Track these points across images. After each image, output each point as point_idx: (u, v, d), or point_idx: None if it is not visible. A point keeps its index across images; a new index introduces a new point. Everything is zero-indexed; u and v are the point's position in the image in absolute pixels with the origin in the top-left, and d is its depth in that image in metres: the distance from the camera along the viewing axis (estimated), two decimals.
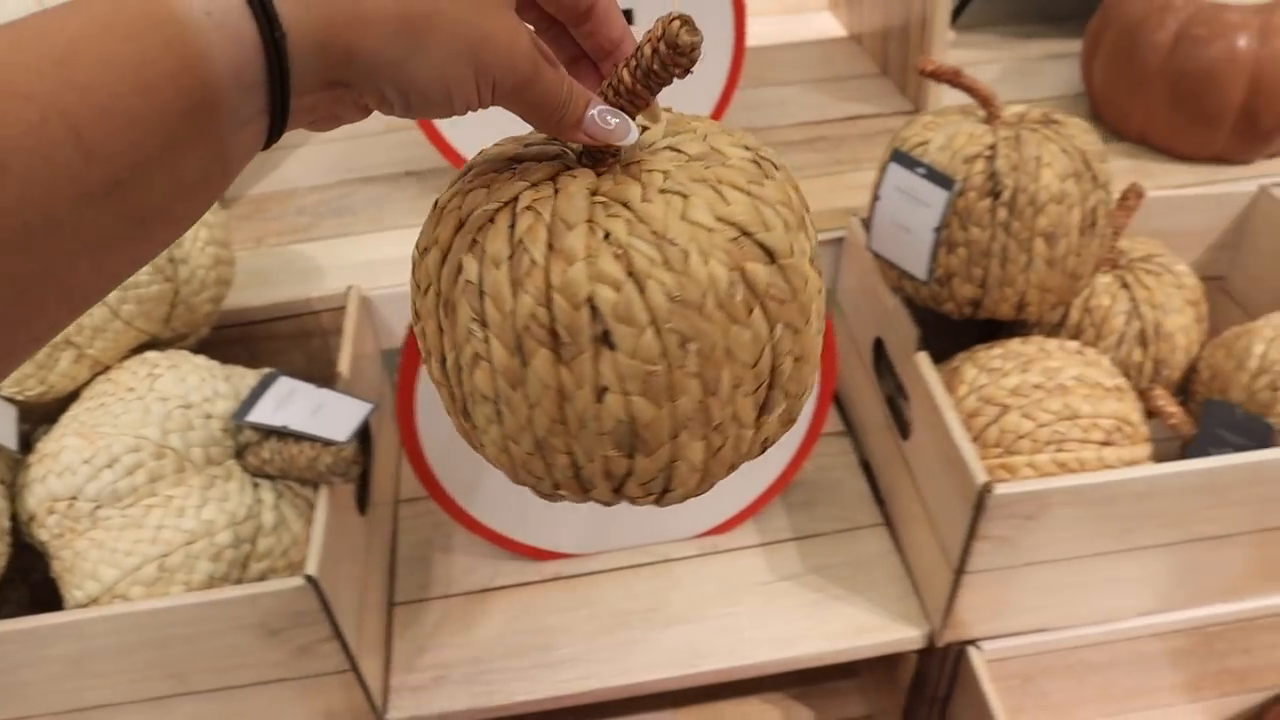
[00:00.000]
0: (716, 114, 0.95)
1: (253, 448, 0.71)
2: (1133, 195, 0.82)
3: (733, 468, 0.42)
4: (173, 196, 0.30)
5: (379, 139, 1.08)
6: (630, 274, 0.36)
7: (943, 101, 1.01)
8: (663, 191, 0.37)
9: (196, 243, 0.78)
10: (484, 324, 0.38)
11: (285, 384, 0.75)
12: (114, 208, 0.28)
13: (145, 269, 0.73)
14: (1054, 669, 0.82)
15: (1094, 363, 0.75)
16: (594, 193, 0.38)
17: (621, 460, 0.39)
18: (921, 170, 0.74)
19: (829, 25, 1.24)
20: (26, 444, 0.74)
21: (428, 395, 0.74)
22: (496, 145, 0.42)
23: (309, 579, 0.63)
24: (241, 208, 1.01)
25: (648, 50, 0.37)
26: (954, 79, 0.75)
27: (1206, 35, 0.92)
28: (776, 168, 0.40)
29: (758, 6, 1.28)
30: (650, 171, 0.38)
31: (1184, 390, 0.86)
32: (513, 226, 0.37)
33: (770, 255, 0.37)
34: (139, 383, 0.72)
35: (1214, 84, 0.92)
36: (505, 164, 0.40)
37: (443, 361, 0.41)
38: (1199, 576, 0.78)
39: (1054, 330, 0.83)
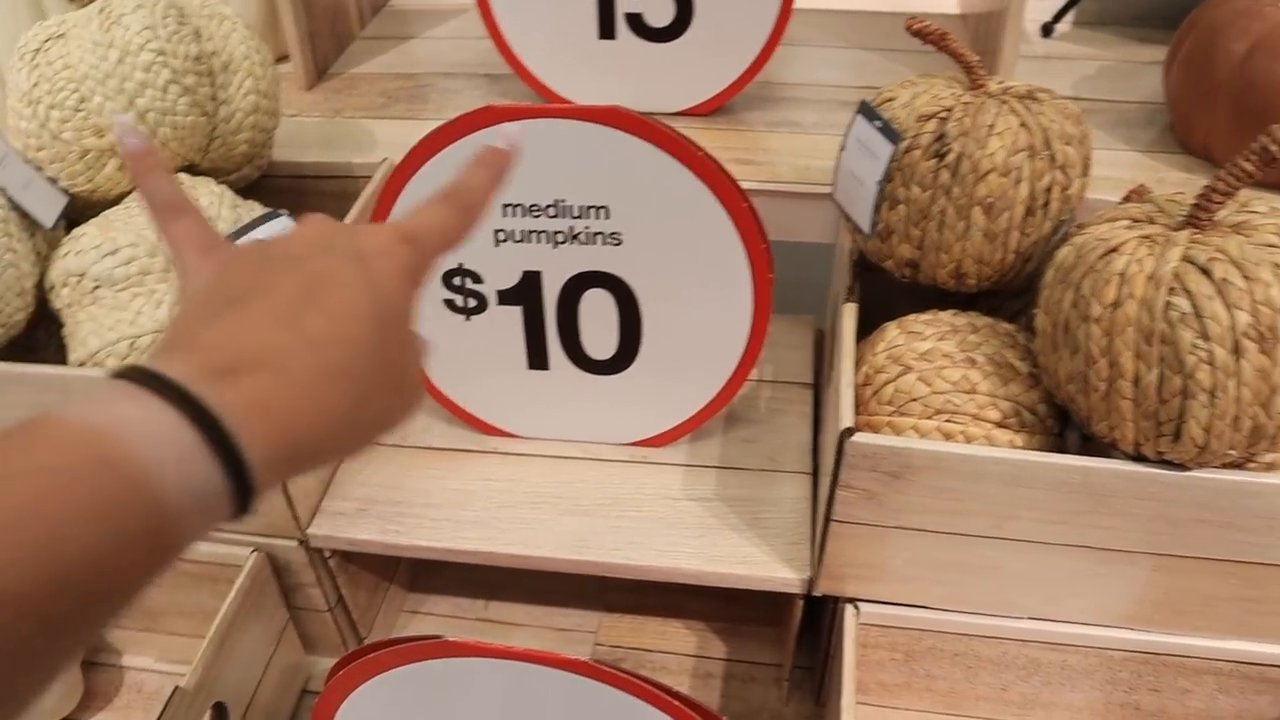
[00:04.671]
0: (758, 63, 0.98)
1: None
2: (1135, 194, 0.79)
3: None
4: (120, 601, 0.30)
5: (464, 43, 1.17)
6: None
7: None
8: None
9: (240, 89, 0.88)
10: (1205, 336, 0.59)
11: (281, 222, 0.85)
12: (73, 631, 0.29)
13: (184, 101, 0.84)
14: (941, 652, 0.81)
15: (1017, 345, 0.74)
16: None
17: (1262, 414, 0.61)
18: (878, 123, 0.74)
19: (947, 4, 1.22)
20: (69, 229, 0.87)
21: None
22: (1111, 222, 0.66)
23: None
24: (335, 82, 1.13)
25: (1271, 145, 0.58)
26: (939, 41, 0.75)
27: None
28: None
29: None
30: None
31: None
32: (1206, 273, 0.59)
33: None
34: None
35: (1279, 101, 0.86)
36: (1125, 230, 0.64)
37: (1135, 381, 0.62)
38: (1095, 590, 0.75)
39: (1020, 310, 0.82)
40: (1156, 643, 0.78)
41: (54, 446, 0.29)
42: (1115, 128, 1.02)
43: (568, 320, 0.82)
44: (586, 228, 0.77)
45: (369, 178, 0.96)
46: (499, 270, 0.80)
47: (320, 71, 1.14)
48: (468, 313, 0.83)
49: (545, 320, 0.83)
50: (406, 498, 0.87)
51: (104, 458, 0.29)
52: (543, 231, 0.78)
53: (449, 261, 0.80)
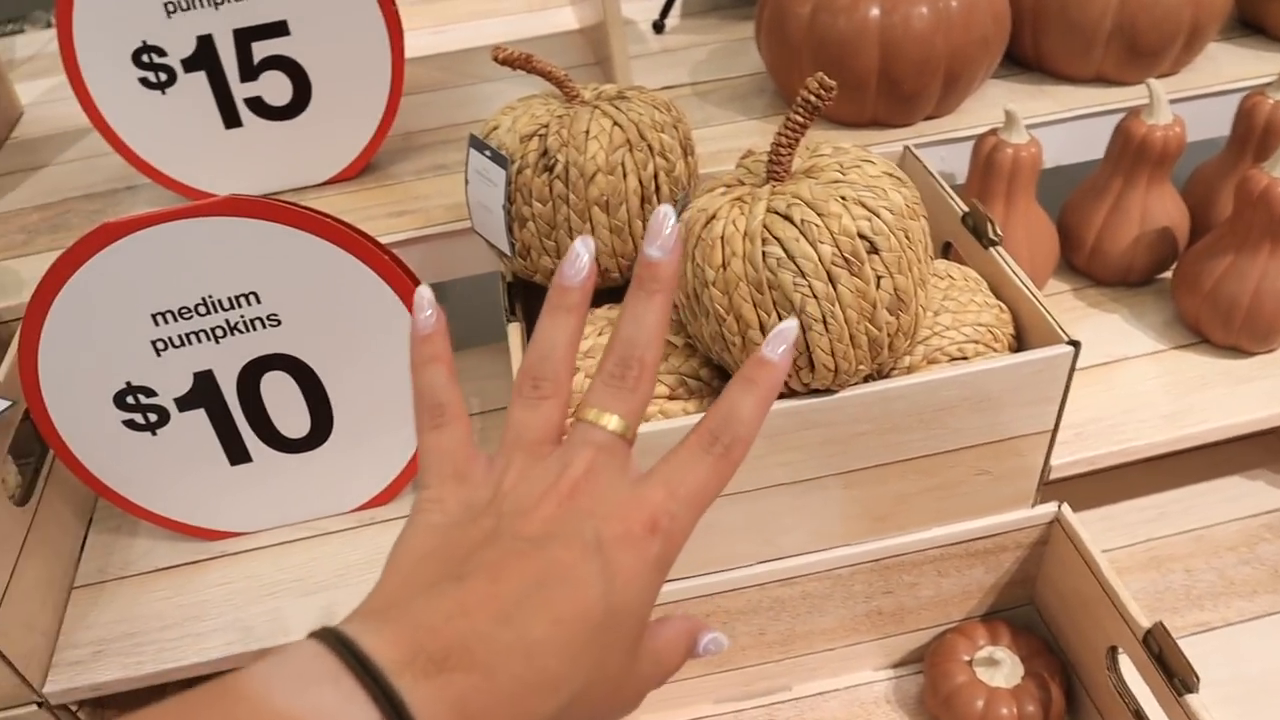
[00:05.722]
0: (387, 119, 1.01)
1: None
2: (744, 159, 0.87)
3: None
4: None
5: (98, 161, 1.15)
6: (870, 211, 0.66)
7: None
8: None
9: None
10: (802, 274, 0.65)
11: None
12: None
13: None
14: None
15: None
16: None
17: (893, 321, 0.68)
18: (488, 152, 0.79)
19: (567, 20, 1.29)
20: None
21: (64, 396, 0.79)
22: (709, 192, 0.71)
23: None
24: None
25: (809, 95, 0.62)
26: (525, 64, 0.80)
27: (839, 6, 0.96)
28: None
29: (504, 7, 1.34)
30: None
31: None
32: (788, 219, 0.65)
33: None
34: None
35: (849, 52, 0.96)
36: (720, 198, 0.70)
37: (760, 328, 0.68)
38: (802, 520, 0.82)
39: None
40: (872, 550, 0.86)
41: None
42: (731, 102, 1.11)
43: (254, 408, 0.83)
44: (242, 317, 0.78)
45: (20, 319, 0.93)
46: (169, 379, 0.80)
47: None
48: (152, 428, 0.82)
49: (233, 414, 0.83)
50: (141, 627, 0.85)
51: None
52: (200, 330, 0.78)
53: (113, 384, 0.79)
